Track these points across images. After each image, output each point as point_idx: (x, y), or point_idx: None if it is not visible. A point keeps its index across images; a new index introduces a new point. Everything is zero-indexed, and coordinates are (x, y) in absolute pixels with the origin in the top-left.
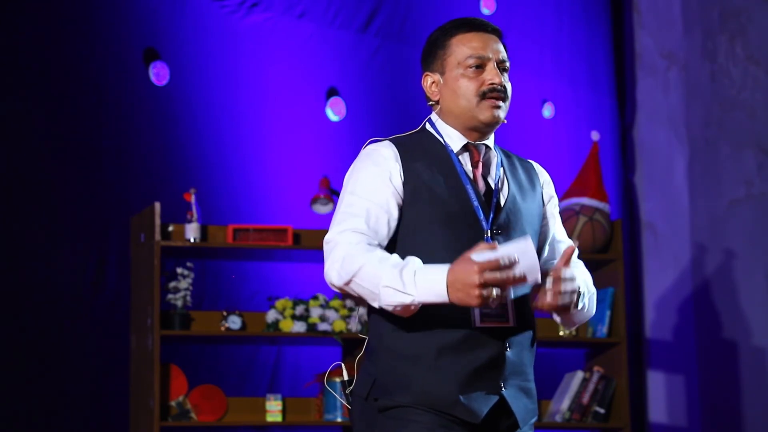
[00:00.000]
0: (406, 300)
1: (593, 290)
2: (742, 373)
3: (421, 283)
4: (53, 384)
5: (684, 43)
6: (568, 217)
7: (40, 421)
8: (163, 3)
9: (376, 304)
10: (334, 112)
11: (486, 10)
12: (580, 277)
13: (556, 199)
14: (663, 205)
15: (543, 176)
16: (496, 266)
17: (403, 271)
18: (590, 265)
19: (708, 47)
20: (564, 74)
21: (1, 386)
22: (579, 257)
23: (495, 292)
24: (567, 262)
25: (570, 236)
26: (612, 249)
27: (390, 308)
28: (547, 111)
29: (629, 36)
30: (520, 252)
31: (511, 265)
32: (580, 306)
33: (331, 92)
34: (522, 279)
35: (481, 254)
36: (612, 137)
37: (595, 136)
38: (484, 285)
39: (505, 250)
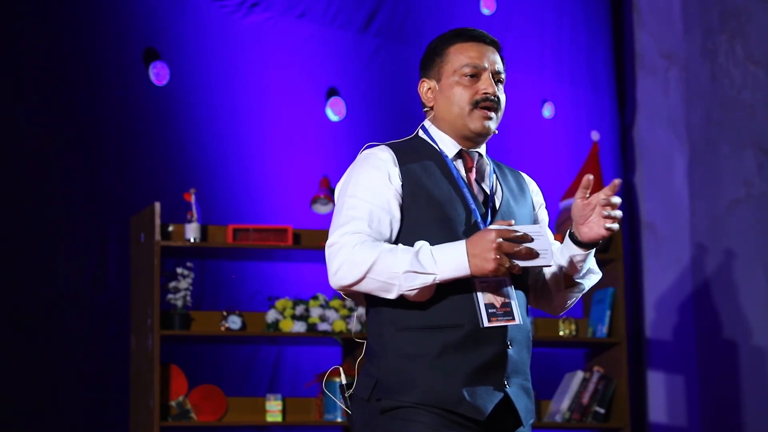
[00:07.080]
0: (429, 279)
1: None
2: (742, 373)
3: (441, 259)
4: (53, 384)
5: (684, 43)
6: (568, 216)
7: (40, 420)
8: (163, 3)
9: (391, 295)
10: (334, 112)
11: (486, 10)
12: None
13: (545, 207)
14: (663, 206)
15: (532, 185)
16: (512, 236)
17: (418, 254)
18: None
19: (708, 47)
20: (564, 74)
21: (1, 386)
22: None
23: (509, 262)
24: (613, 192)
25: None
26: (612, 249)
27: (410, 293)
28: (547, 111)
29: (629, 36)
30: (534, 233)
31: (525, 238)
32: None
33: (331, 92)
34: (535, 255)
35: (498, 225)
36: (612, 137)
37: (595, 136)
38: (500, 250)
39: (520, 227)
